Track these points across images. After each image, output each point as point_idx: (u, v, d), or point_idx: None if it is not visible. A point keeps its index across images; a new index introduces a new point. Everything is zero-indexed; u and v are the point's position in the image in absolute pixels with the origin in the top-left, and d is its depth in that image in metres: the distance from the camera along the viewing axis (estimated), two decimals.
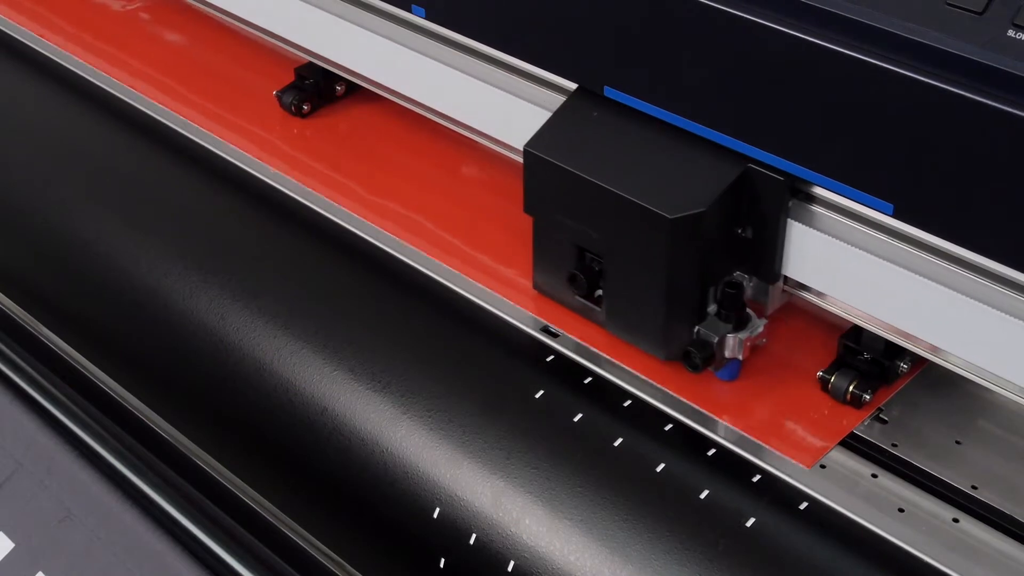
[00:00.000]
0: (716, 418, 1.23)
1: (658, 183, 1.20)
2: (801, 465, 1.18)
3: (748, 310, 1.25)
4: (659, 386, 1.26)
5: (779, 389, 1.27)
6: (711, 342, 1.23)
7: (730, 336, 1.23)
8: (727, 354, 1.24)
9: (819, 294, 1.24)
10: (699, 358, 1.22)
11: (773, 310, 1.28)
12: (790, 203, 1.19)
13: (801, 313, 1.32)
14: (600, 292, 1.29)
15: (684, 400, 1.24)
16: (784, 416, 1.24)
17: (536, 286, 1.36)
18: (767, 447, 1.20)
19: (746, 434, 1.21)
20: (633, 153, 1.23)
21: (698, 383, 1.26)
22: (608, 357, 1.29)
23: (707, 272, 1.22)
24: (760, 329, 1.24)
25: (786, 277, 1.24)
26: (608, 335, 1.30)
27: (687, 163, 1.21)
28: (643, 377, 1.27)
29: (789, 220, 1.20)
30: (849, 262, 1.18)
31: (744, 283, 1.25)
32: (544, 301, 1.35)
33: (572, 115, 1.29)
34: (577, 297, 1.31)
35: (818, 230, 1.19)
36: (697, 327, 1.24)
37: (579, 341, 1.30)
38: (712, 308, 1.24)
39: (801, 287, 1.25)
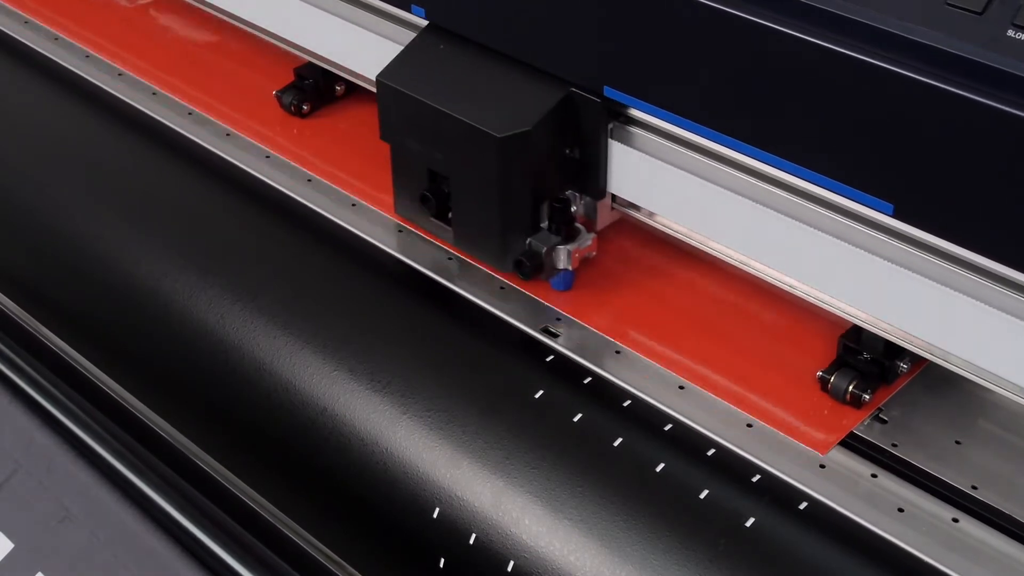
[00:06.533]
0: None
1: (491, 107, 1.32)
2: (801, 465, 1.18)
3: (577, 224, 1.37)
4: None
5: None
6: (540, 252, 1.35)
7: (560, 247, 1.35)
8: (559, 265, 1.36)
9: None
10: (529, 267, 1.35)
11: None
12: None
13: (801, 313, 1.32)
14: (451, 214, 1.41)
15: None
16: (781, 413, 1.24)
17: (397, 210, 1.46)
18: (766, 447, 1.20)
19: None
20: (472, 81, 1.36)
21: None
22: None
23: (539, 188, 1.34)
24: (589, 242, 1.36)
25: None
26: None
27: (518, 89, 1.33)
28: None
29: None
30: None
31: (575, 200, 1.36)
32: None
33: (421, 48, 1.41)
34: (431, 219, 1.41)
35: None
36: (529, 239, 1.35)
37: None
38: (546, 224, 1.36)
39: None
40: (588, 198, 1.37)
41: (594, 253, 1.38)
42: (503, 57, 1.35)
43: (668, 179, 1.28)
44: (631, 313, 1.36)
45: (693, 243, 1.33)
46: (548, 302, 1.37)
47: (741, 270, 1.30)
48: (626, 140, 1.31)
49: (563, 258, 1.36)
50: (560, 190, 1.35)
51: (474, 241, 1.39)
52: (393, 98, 1.38)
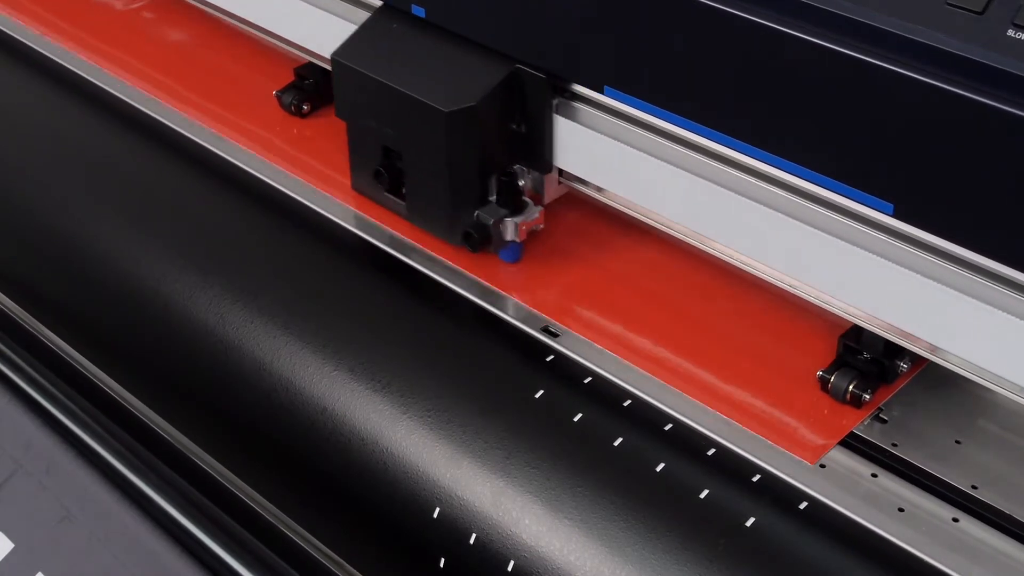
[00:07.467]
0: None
1: (440, 83, 1.36)
2: (801, 465, 1.18)
3: (525, 197, 1.41)
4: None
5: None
6: (488, 224, 1.38)
7: (508, 220, 1.39)
8: (507, 237, 1.40)
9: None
10: (476, 239, 1.38)
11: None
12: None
13: (800, 312, 1.32)
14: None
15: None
16: (781, 413, 1.24)
17: (354, 186, 1.51)
18: (766, 446, 1.20)
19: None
20: (423, 59, 1.40)
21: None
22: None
23: (486, 162, 1.38)
24: (536, 215, 1.40)
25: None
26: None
27: (466, 66, 1.37)
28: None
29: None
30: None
31: (522, 174, 1.40)
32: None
33: (375, 28, 1.45)
34: (385, 194, 1.46)
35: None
36: (477, 212, 1.38)
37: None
38: (494, 197, 1.40)
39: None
40: (535, 172, 1.40)
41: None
42: (453, 36, 1.38)
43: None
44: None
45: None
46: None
47: (740, 270, 1.30)
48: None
49: (511, 230, 1.39)
50: (507, 164, 1.39)
51: (425, 215, 1.43)
52: (347, 76, 1.43)
